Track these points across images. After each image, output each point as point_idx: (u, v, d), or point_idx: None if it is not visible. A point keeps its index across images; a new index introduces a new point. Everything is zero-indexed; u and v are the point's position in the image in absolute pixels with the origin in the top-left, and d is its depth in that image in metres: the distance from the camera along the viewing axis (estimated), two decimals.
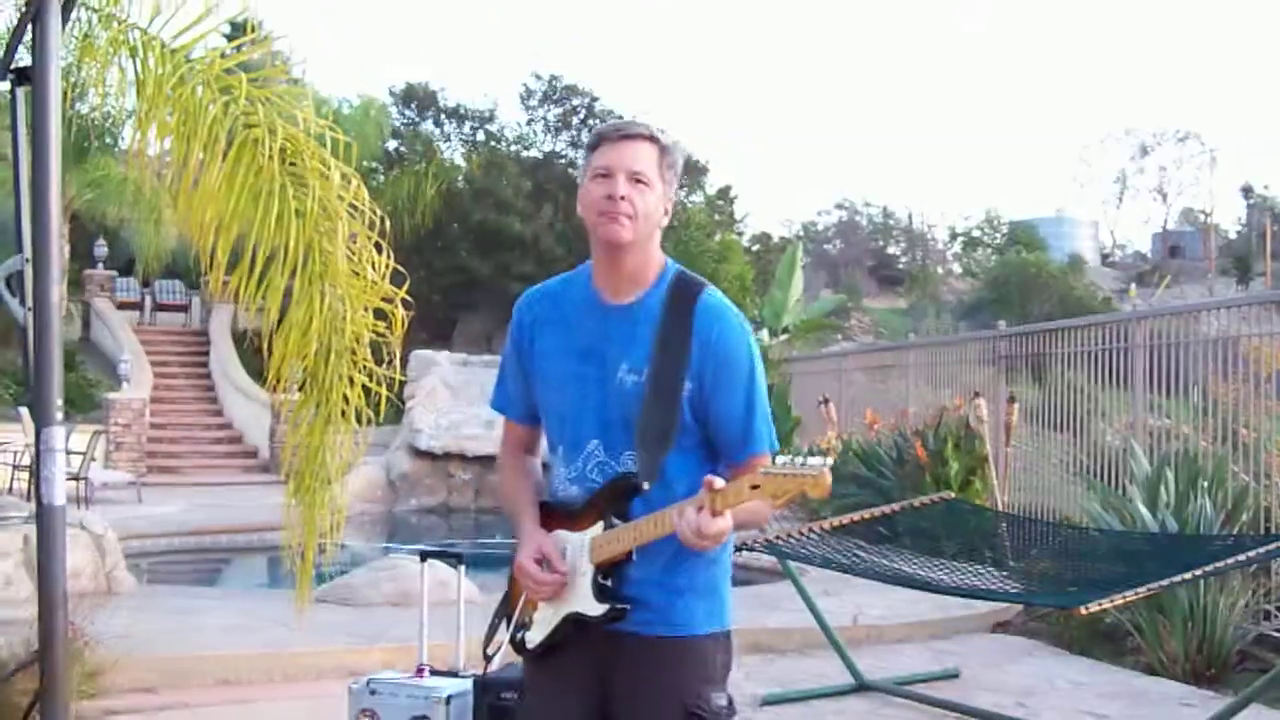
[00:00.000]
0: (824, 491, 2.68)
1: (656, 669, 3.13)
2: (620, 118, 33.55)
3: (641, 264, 3.18)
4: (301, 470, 6.65)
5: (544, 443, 3.43)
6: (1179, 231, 64.90)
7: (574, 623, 3.15)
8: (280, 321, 6.34)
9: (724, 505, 2.83)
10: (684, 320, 3.12)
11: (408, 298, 6.49)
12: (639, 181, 3.10)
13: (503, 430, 3.50)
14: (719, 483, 2.83)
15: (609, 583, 3.10)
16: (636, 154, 3.11)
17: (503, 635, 3.37)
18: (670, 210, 3.22)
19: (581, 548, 3.14)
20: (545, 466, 3.45)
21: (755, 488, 2.76)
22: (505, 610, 3.39)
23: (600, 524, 3.11)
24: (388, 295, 6.44)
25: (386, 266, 6.41)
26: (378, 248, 6.39)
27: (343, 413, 6.49)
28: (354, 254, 6.35)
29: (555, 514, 3.24)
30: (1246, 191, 62.30)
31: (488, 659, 3.47)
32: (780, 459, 2.74)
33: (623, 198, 3.08)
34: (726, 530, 2.87)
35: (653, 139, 3.15)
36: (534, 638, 3.25)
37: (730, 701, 3.20)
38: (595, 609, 3.09)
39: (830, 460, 2.71)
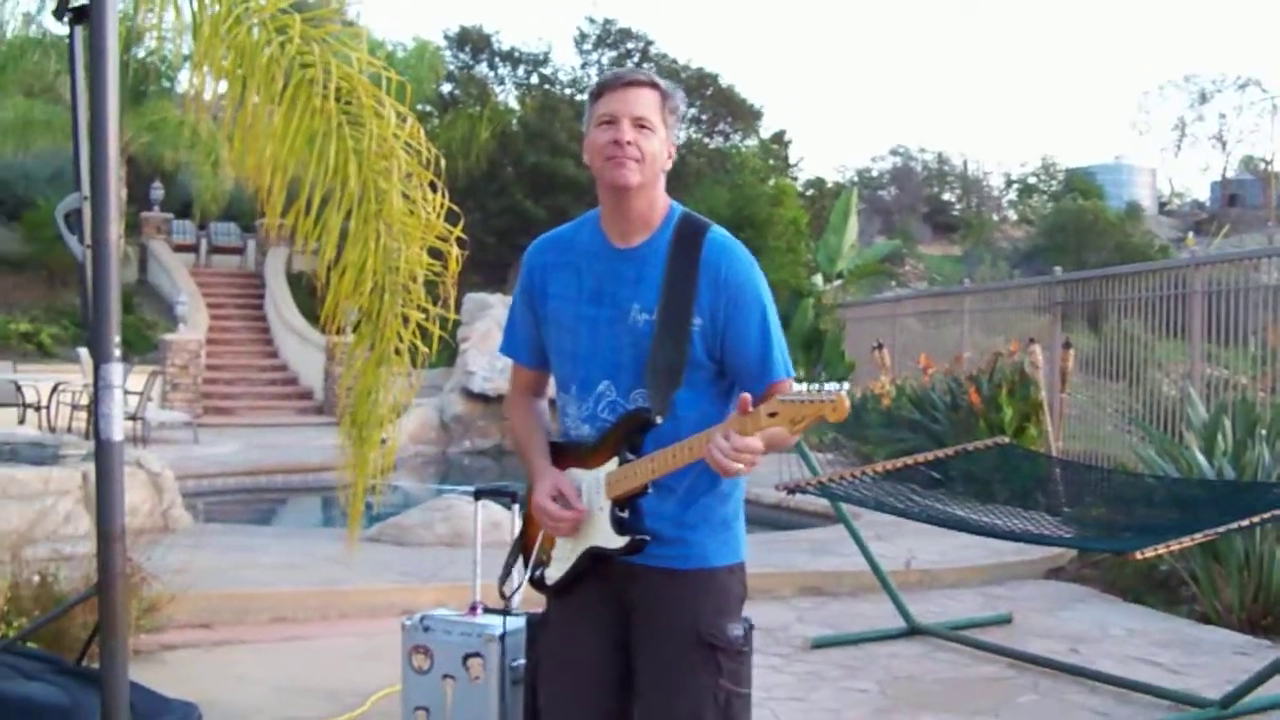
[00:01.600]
0: (842, 415, 2.73)
1: (673, 600, 3.22)
2: (675, 62, 33.37)
3: (648, 207, 3.26)
4: (355, 408, 6.69)
5: (551, 384, 3.50)
6: (1238, 180, 63.94)
7: (593, 557, 3.22)
8: (336, 261, 6.36)
9: (745, 431, 2.89)
10: (691, 258, 3.20)
11: (463, 236, 6.50)
12: (643, 126, 3.19)
13: (511, 374, 3.61)
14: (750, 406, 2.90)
15: (627, 515, 3.16)
16: (640, 99, 3.21)
17: (521, 574, 3.45)
18: (673, 154, 3.31)
19: (597, 483, 3.20)
20: (551, 403, 3.52)
21: (773, 415, 2.83)
22: (521, 549, 3.47)
23: (614, 460, 3.17)
24: (442, 234, 6.45)
25: (441, 205, 6.41)
26: (432, 186, 6.39)
27: (396, 351, 6.51)
28: (409, 193, 6.35)
29: (567, 453, 3.32)
30: None
31: (505, 598, 3.52)
32: (796, 386, 2.81)
33: (629, 142, 3.16)
34: (759, 449, 2.93)
35: (654, 85, 3.25)
36: (553, 574, 3.34)
37: (747, 631, 3.29)
38: (615, 542, 3.16)
39: (846, 386, 2.76)
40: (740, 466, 2.92)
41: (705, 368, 3.21)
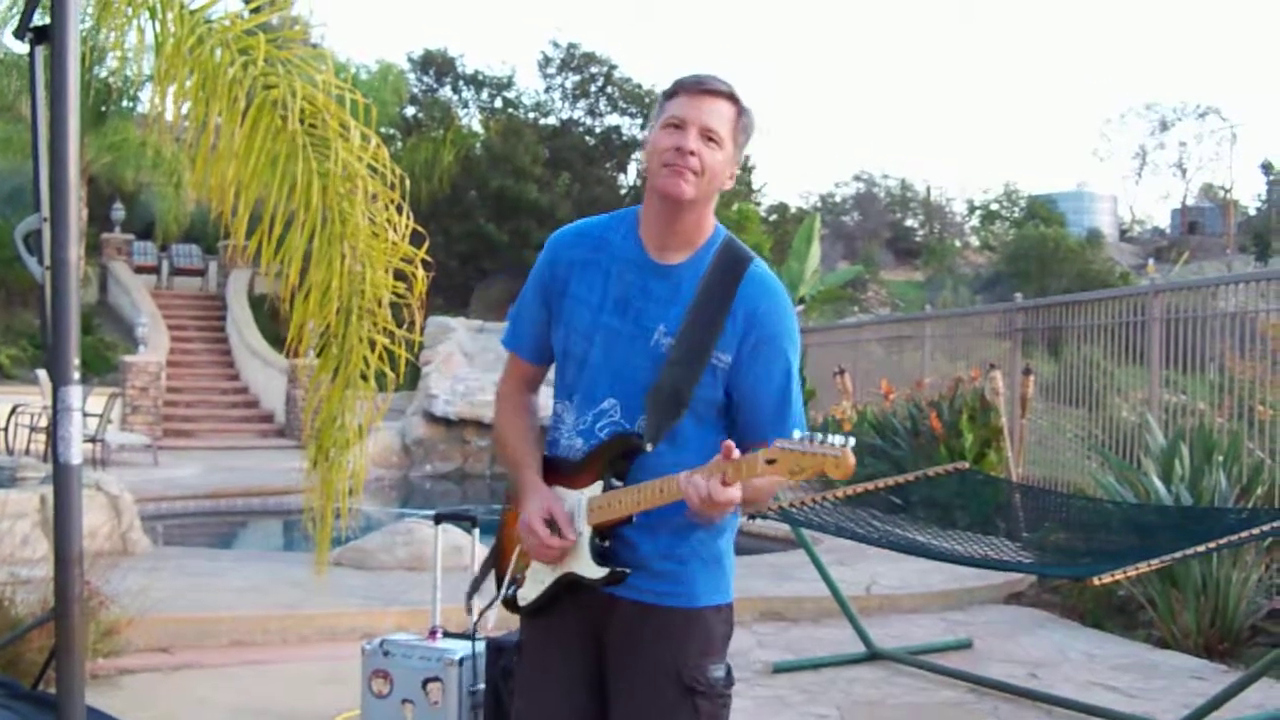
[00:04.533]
0: (846, 473, 2.56)
1: (655, 638, 3.04)
2: (639, 86, 33.22)
3: (695, 224, 3.07)
4: (321, 432, 6.68)
5: (545, 384, 3.32)
6: (1198, 207, 64.43)
7: (569, 584, 3.05)
8: (300, 284, 6.35)
9: (736, 477, 2.73)
10: (728, 289, 3.02)
11: (427, 258, 6.50)
12: (710, 139, 2.99)
13: (507, 363, 3.35)
14: (737, 452, 2.73)
15: (608, 545, 3.00)
16: (714, 110, 3.00)
17: (494, 592, 3.26)
18: (735, 175, 3.11)
19: (578, 506, 3.03)
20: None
21: (771, 462, 2.65)
22: (494, 563, 3.29)
23: (599, 483, 3.00)
24: (407, 256, 6.45)
25: (406, 228, 6.41)
26: (398, 208, 6.40)
27: (363, 375, 6.50)
28: (374, 215, 6.35)
29: (554, 468, 3.12)
30: (1266, 168, 61.85)
31: (471, 614, 3.39)
32: (798, 433, 2.63)
33: (692, 152, 2.96)
34: (735, 501, 2.77)
35: (732, 98, 3.03)
36: (526, 595, 3.15)
37: (728, 672, 3.11)
38: (595, 572, 3.00)
39: (853, 441, 2.58)
40: (713, 513, 2.79)
41: (719, 405, 3.05)
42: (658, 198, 3.04)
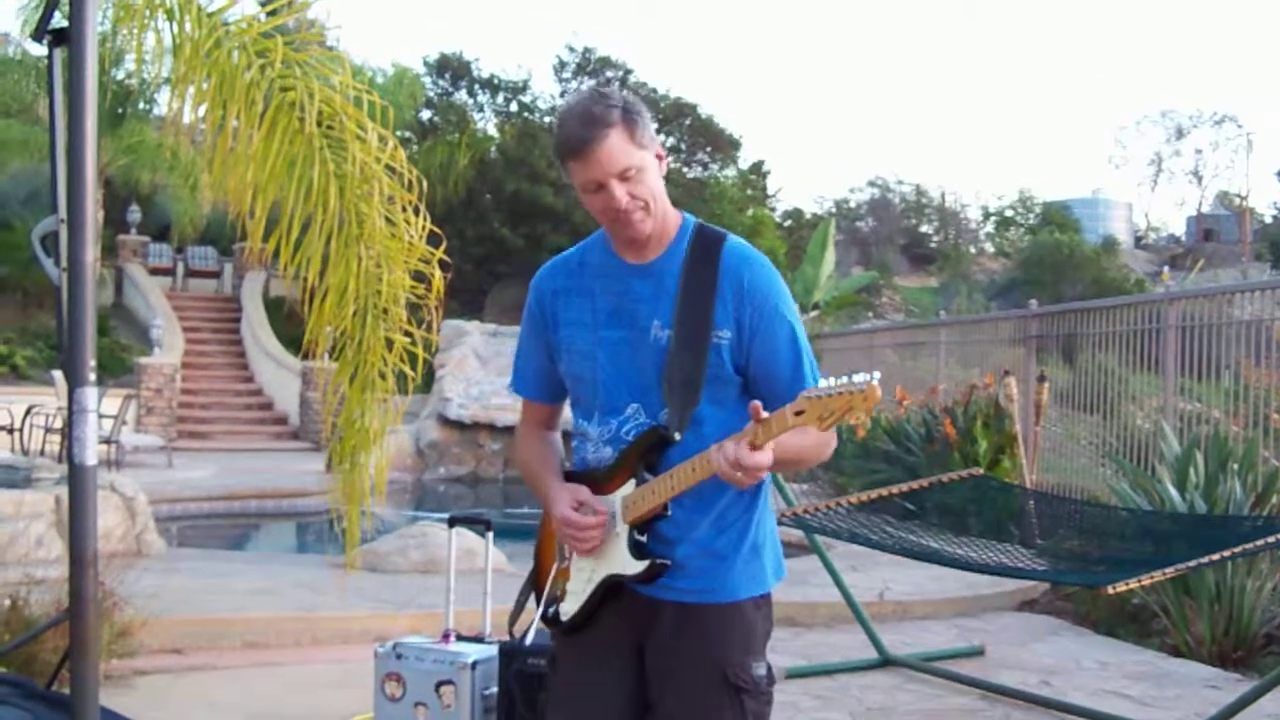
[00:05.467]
0: (873, 404, 2.55)
1: (698, 638, 3.04)
2: (654, 91, 33.17)
3: (660, 228, 3.08)
4: (344, 434, 6.70)
5: (564, 415, 3.34)
6: (1214, 215, 64.32)
7: (611, 588, 3.05)
8: (318, 284, 6.36)
9: (767, 436, 2.71)
10: (710, 269, 3.03)
11: (445, 258, 6.51)
12: (627, 176, 2.97)
13: (522, 408, 3.40)
14: (765, 412, 2.71)
15: (645, 539, 3.00)
16: (611, 154, 2.94)
17: (534, 610, 3.26)
18: (663, 156, 3.09)
19: (614, 508, 3.03)
20: (565, 435, 3.36)
21: (800, 413, 2.63)
22: (533, 586, 3.29)
23: (631, 481, 3.01)
24: (424, 256, 6.46)
25: (423, 228, 6.42)
26: (414, 209, 6.40)
27: (380, 374, 6.52)
28: (391, 215, 6.36)
29: (581, 480, 3.14)
30: None
31: (513, 637, 3.38)
32: (822, 382, 2.61)
33: (626, 204, 2.97)
34: (766, 465, 2.75)
35: (607, 122, 2.95)
36: (568, 609, 3.14)
37: (769, 670, 3.14)
38: (634, 567, 3.00)
39: (878, 375, 2.56)
40: (745, 479, 2.76)
41: (733, 383, 3.05)
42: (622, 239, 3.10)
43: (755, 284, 3.05)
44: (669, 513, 2.98)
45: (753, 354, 3.03)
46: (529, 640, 3.39)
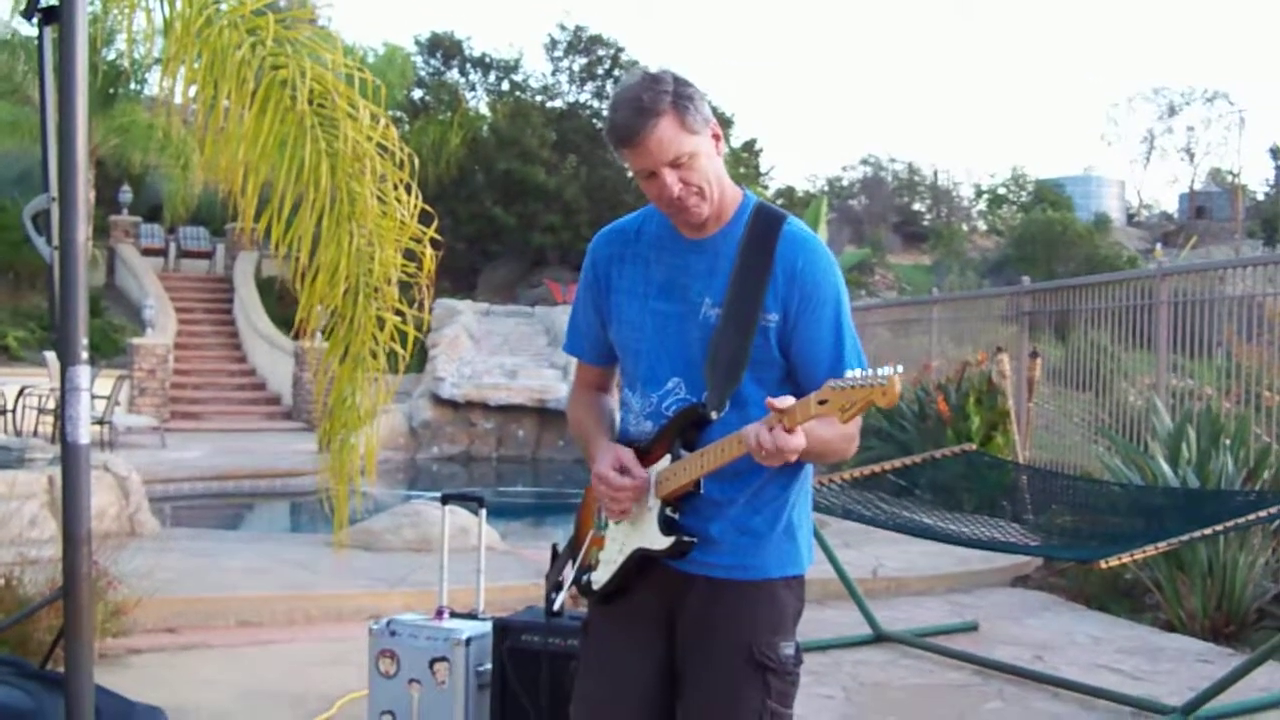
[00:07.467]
0: (893, 399, 2.57)
1: (727, 614, 3.06)
2: (646, 69, 33.71)
3: (717, 209, 3.06)
4: (333, 413, 6.70)
5: (616, 382, 3.36)
6: (1206, 192, 64.15)
7: (640, 560, 3.07)
8: (310, 263, 6.37)
9: (792, 423, 2.71)
10: (767, 250, 3.02)
11: (437, 237, 6.51)
12: (680, 163, 2.95)
13: (575, 371, 3.43)
14: (782, 402, 2.72)
15: (675, 515, 3.01)
16: (661, 144, 2.93)
17: (569, 577, 3.29)
18: (718, 132, 3.05)
19: (648, 482, 3.04)
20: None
21: (823, 403, 2.65)
22: (571, 553, 3.31)
23: (667, 457, 3.02)
24: (416, 235, 6.46)
25: (415, 207, 6.42)
26: (406, 188, 6.40)
27: (372, 352, 6.52)
28: (383, 194, 6.36)
29: None
30: (1275, 153, 61.62)
31: (551, 603, 3.39)
32: (849, 373, 2.64)
33: (679, 191, 2.97)
34: (799, 447, 2.73)
35: (657, 111, 2.93)
36: (599, 578, 3.18)
37: (797, 649, 3.15)
38: (661, 542, 3.01)
39: (900, 368, 2.60)
40: (777, 459, 2.75)
41: (777, 365, 3.04)
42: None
43: (807, 270, 3.03)
44: (701, 490, 2.98)
45: (795, 340, 3.03)
46: (556, 606, 3.37)
